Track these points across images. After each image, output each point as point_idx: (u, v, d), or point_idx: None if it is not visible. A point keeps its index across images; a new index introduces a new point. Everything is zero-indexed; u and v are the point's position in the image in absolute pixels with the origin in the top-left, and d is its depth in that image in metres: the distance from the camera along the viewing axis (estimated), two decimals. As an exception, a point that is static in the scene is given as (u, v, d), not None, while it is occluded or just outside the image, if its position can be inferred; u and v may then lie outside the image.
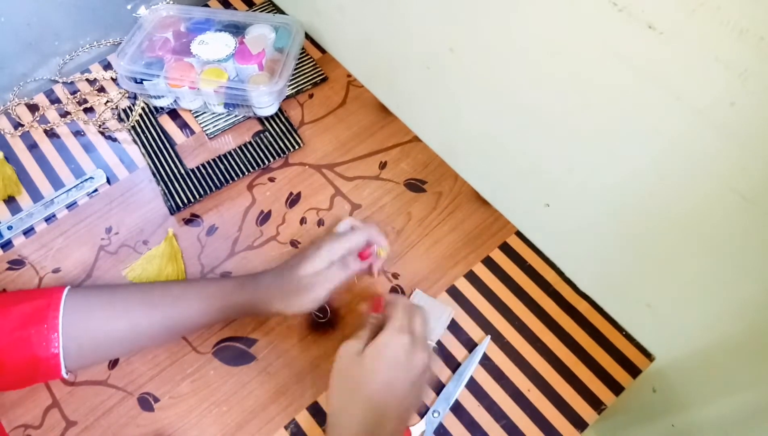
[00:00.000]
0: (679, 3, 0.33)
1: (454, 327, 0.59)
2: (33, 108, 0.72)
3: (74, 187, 0.65)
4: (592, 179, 0.49)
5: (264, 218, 0.65)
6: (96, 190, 0.66)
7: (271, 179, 0.67)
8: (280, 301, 0.52)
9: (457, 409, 0.55)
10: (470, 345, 0.58)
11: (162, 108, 0.71)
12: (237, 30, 0.70)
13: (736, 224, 0.40)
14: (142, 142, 0.68)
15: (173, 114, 0.71)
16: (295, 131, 0.69)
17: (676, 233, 0.45)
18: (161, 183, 0.65)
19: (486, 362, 0.57)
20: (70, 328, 0.50)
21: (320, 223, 0.64)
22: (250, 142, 0.69)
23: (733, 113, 0.35)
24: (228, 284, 0.54)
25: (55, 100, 0.73)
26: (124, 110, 0.71)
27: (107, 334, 0.52)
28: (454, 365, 0.57)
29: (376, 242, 0.56)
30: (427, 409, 0.55)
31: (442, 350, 0.58)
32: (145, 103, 0.71)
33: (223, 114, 0.70)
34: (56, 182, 0.67)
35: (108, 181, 0.67)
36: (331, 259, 0.53)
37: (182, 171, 0.66)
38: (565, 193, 0.53)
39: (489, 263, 0.62)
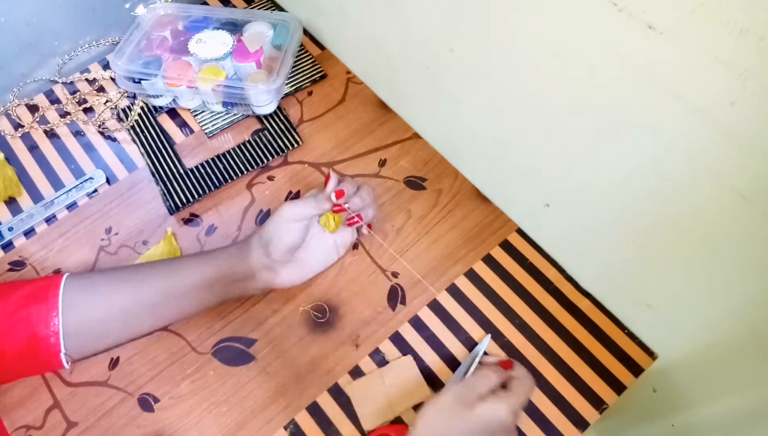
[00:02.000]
0: (679, 3, 0.32)
1: (454, 326, 0.59)
2: (33, 109, 0.72)
3: (74, 187, 0.66)
4: (592, 179, 0.48)
5: (263, 217, 0.65)
6: (96, 190, 0.66)
7: (271, 178, 0.67)
8: (262, 243, 0.54)
9: (457, 409, 0.55)
10: (470, 344, 0.58)
11: (161, 107, 0.71)
12: (235, 28, 0.70)
13: (736, 224, 0.39)
14: (141, 142, 0.68)
15: (172, 113, 0.71)
16: (294, 129, 0.69)
17: (675, 232, 0.44)
18: (160, 183, 0.65)
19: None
20: (70, 306, 0.50)
21: (320, 222, 0.64)
22: (249, 141, 0.69)
23: (733, 113, 0.34)
24: (222, 248, 0.56)
25: (54, 101, 0.73)
26: (123, 110, 0.71)
27: (107, 306, 0.52)
28: (454, 364, 0.57)
29: (327, 192, 0.56)
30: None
31: (442, 349, 0.57)
32: (144, 103, 0.70)
33: (221, 113, 0.70)
34: (56, 183, 0.67)
35: (108, 181, 0.67)
36: (292, 219, 0.54)
37: (181, 170, 0.66)
38: (565, 193, 0.53)
39: (489, 260, 0.62)
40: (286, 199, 0.65)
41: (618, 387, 0.56)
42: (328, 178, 0.57)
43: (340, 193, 0.55)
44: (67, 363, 0.51)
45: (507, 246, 0.63)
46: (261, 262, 0.54)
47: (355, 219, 0.57)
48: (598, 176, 0.48)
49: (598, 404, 0.55)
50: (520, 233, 0.64)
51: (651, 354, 0.57)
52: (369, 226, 0.60)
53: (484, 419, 0.46)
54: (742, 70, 0.32)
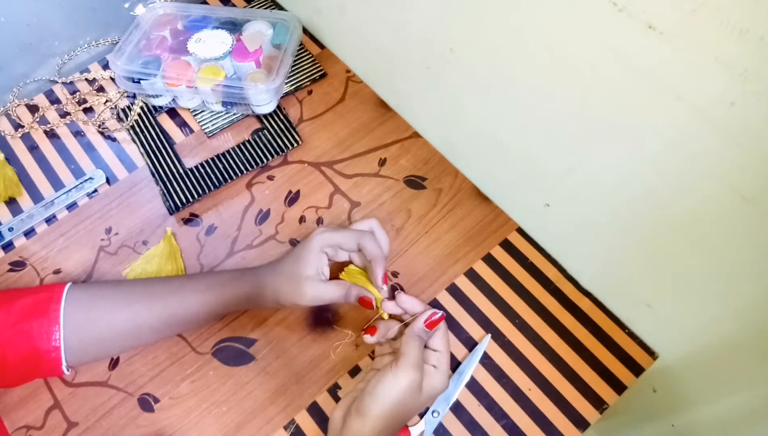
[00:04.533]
0: (679, 3, 0.32)
1: (454, 326, 0.59)
2: (33, 109, 0.72)
3: (74, 187, 0.66)
4: (592, 179, 0.48)
5: (263, 216, 0.65)
6: (96, 190, 0.66)
7: (270, 178, 0.67)
8: (274, 293, 0.52)
9: (457, 409, 0.55)
10: (470, 344, 0.58)
11: (161, 107, 0.71)
12: (234, 27, 0.70)
13: (736, 224, 0.39)
14: (141, 142, 0.68)
15: (172, 113, 0.71)
16: (294, 129, 0.69)
17: (675, 232, 0.44)
18: (160, 183, 0.65)
19: (486, 361, 0.57)
20: (71, 321, 0.50)
21: (319, 221, 0.64)
22: (248, 141, 0.68)
23: (733, 113, 0.34)
24: (228, 275, 0.55)
25: (54, 101, 0.73)
26: (123, 110, 0.71)
27: (108, 326, 0.52)
28: (454, 364, 0.57)
29: (369, 253, 0.52)
30: (427, 409, 0.55)
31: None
32: (144, 103, 0.70)
33: (221, 112, 0.70)
34: (56, 183, 0.67)
35: (107, 181, 0.67)
36: (321, 248, 0.52)
37: (181, 170, 0.66)
38: (565, 193, 0.53)
39: (489, 260, 0.62)
40: (285, 200, 0.65)
41: (618, 387, 0.56)
42: (369, 303, 0.51)
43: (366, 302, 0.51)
44: (68, 371, 0.52)
45: (507, 245, 0.63)
46: (277, 305, 0.54)
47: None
48: (598, 176, 0.47)
49: (598, 403, 0.55)
50: (521, 232, 0.63)
51: (652, 354, 0.57)
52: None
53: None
54: (742, 70, 0.32)
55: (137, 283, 0.56)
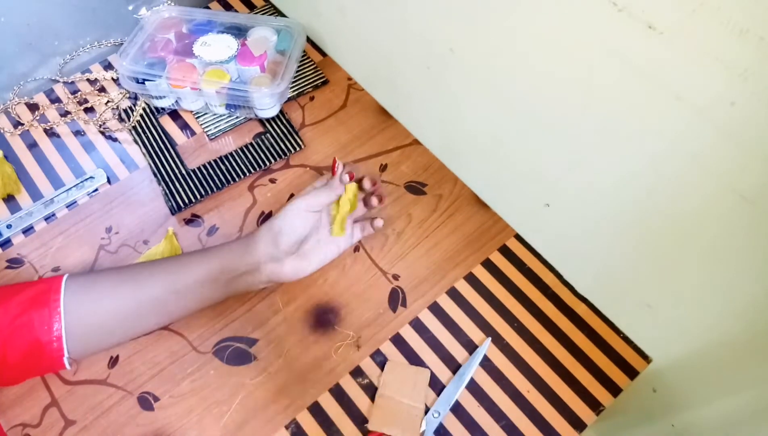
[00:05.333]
0: (679, 3, 0.33)
1: (454, 328, 0.59)
2: (33, 107, 0.72)
3: (74, 186, 0.65)
4: (592, 179, 0.49)
5: (265, 218, 0.65)
6: (96, 189, 0.66)
7: (272, 180, 0.67)
8: (276, 236, 0.55)
9: (458, 409, 0.55)
10: (471, 347, 0.58)
11: (163, 109, 0.71)
12: (239, 32, 0.71)
13: (736, 224, 0.40)
14: (143, 143, 0.69)
15: (174, 115, 0.72)
16: (296, 133, 0.70)
17: (675, 233, 0.45)
18: (162, 183, 0.65)
19: (486, 364, 0.57)
20: (71, 309, 0.50)
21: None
22: (251, 144, 0.69)
23: (733, 113, 0.35)
24: (227, 244, 0.56)
25: (55, 100, 0.73)
26: (125, 110, 0.71)
27: (109, 307, 0.51)
28: (454, 366, 0.57)
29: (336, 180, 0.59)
30: (428, 409, 0.55)
31: (442, 351, 0.58)
32: (146, 104, 0.71)
33: (224, 115, 0.71)
34: (56, 181, 0.67)
35: (108, 180, 0.67)
36: (305, 210, 0.57)
37: (183, 171, 0.66)
38: (565, 194, 0.53)
39: (488, 265, 0.63)
40: (287, 202, 0.66)
41: (614, 390, 0.56)
42: (334, 163, 0.59)
43: (351, 176, 0.58)
44: (70, 365, 0.51)
45: (505, 251, 0.64)
46: (268, 253, 0.54)
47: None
48: (598, 176, 0.48)
49: (594, 406, 0.56)
50: (519, 238, 0.64)
51: (645, 357, 0.58)
52: (381, 199, 0.61)
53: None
54: (742, 70, 0.33)
55: (137, 264, 0.56)
